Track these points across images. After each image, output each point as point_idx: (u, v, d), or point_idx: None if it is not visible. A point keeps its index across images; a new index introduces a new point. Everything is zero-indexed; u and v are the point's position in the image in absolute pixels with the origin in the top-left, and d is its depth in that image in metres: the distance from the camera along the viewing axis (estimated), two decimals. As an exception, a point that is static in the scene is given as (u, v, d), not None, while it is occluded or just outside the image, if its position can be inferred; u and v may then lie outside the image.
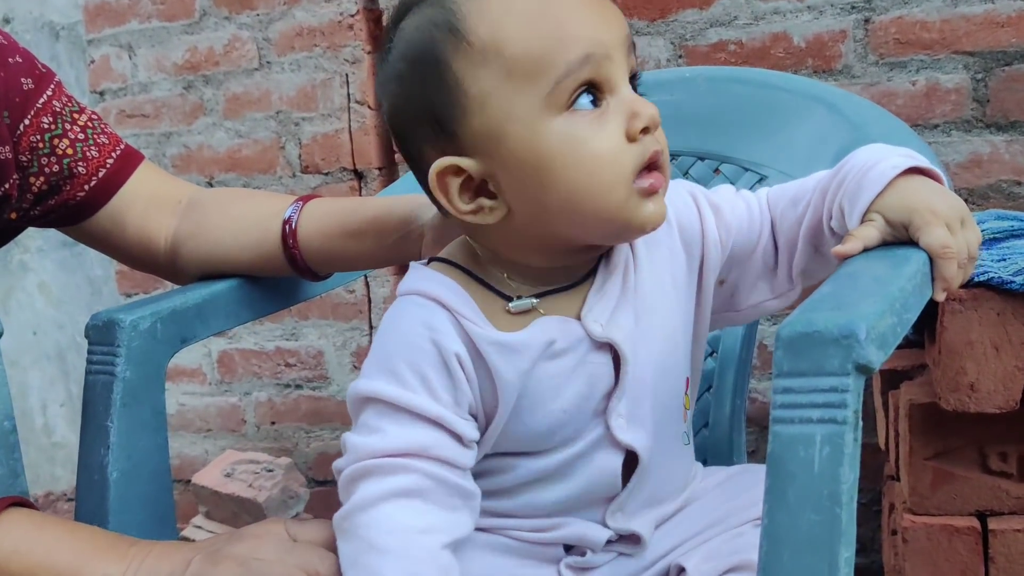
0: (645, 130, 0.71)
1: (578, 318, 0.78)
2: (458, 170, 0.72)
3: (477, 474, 0.79)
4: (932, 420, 1.25)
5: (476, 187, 0.73)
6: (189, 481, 2.08)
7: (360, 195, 2.08)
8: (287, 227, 0.98)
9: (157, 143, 2.21)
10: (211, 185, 2.19)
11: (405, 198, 0.96)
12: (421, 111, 0.73)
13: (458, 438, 0.75)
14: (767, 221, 0.85)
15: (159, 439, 0.95)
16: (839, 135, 1.05)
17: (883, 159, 0.75)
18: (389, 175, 2.08)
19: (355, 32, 2.05)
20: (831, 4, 1.80)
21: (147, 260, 1.05)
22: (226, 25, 2.13)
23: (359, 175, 2.09)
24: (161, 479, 0.95)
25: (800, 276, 0.83)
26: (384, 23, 2.04)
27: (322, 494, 2.15)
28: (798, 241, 0.82)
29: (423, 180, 0.76)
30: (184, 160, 2.20)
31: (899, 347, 1.57)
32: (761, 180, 1.09)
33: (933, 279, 0.72)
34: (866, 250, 0.73)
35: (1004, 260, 1.22)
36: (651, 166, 0.72)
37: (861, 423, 0.59)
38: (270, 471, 1.97)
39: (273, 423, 2.22)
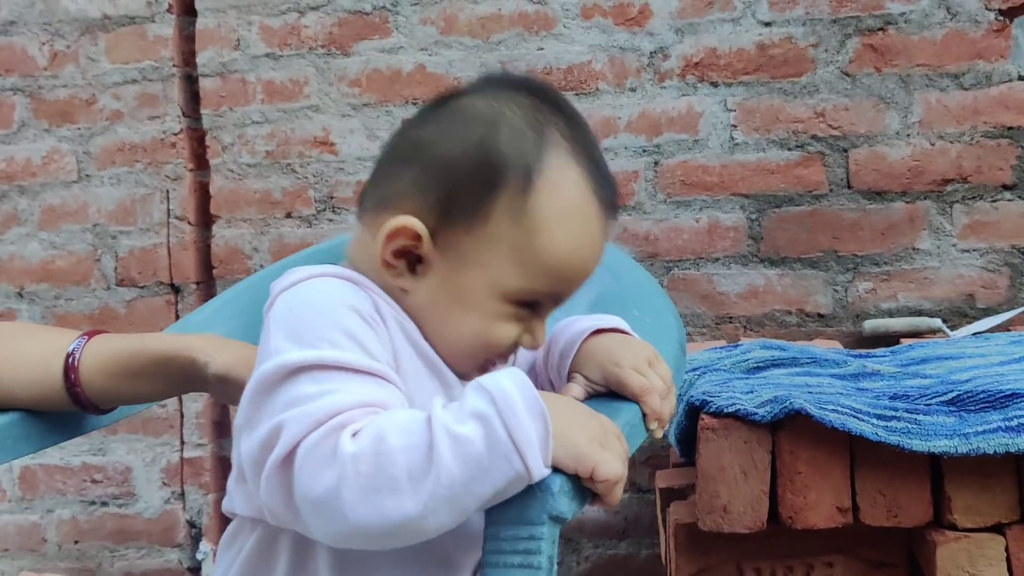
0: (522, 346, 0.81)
1: None
2: (416, 237, 0.76)
3: None
4: (694, 539, 1.36)
5: (408, 253, 0.77)
6: (-22, 606, 1.97)
7: (176, 308, 2.09)
8: (70, 361, 1.00)
9: (-35, 251, 2.16)
10: (21, 295, 2.15)
11: (193, 341, 0.97)
12: (450, 184, 0.76)
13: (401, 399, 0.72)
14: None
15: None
16: (599, 281, 1.16)
17: (576, 327, 0.87)
18: (206, 290, 2.10)
19: (177, 150, 2.09)
20: (625, 147, 1.97)
21: None
22: (45, 137, 2.13)
23: (176, 289, 2.10)
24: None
25: None
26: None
27: (125, 616, 2.08)
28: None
29: (383, 194, 0.79)
30: (-7, 269, 2.15)
31: (676, 465, 1.70)
32: (532, 320, 1.19)
33: (646, 417, 0.82)
34: (588, 399, 0.83)
35: (752, 392, 1.36)
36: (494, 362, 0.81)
37: (556, 567, 0.67)
38: (67, 594, 1.90)
39: (76, 542, 2.14)
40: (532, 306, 0.79)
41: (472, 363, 0.80)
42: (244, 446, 0.71)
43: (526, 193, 0.75)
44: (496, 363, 0.81)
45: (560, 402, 0.72)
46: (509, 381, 0.68)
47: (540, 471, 0.67)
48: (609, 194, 0.80)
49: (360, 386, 0.69)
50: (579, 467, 0.68)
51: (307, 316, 0.72)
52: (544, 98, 0.79)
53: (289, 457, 0.66)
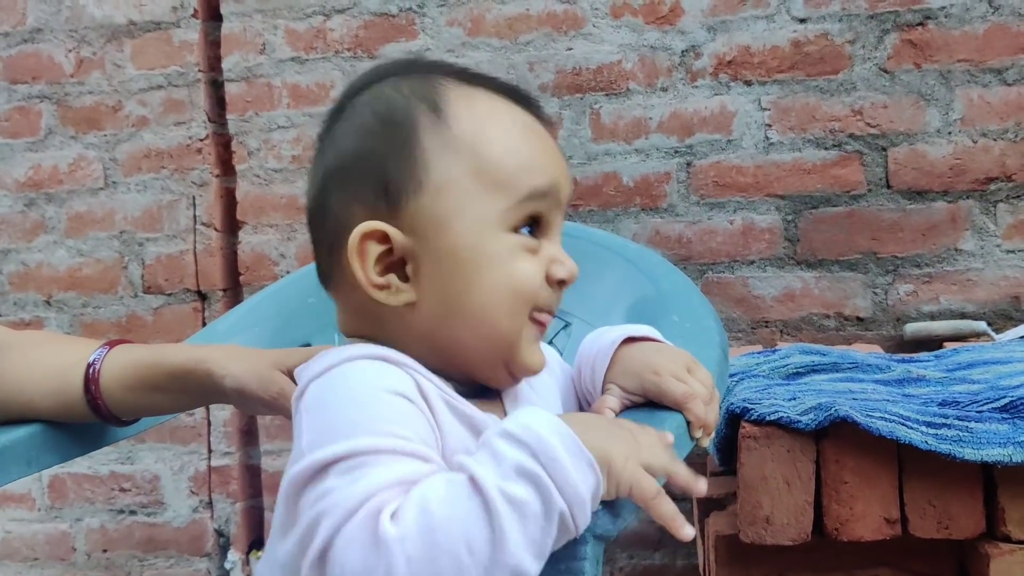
0: (561, 283, 0.74)
1: None
2: (384, 238, 0.70)
3: None
4: (735, 551, 1.32)
5: (391, 263, 0.71)
6: (7, 617, 1.96)
7: (203, 315, 2.07)
8: (90, 372, 0.98)
9: (-7, 259, 2.15)
10: (49, 303, 2.14)
11: (210, 353, 0.95)
12: (373, 170, 0.71)
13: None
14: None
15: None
16: (636, 287, 1.13)
17: (606, 338, 0.82)
18: (233, 297, 2.08)
19: (203, 156, 2.07)
20: (656, 148, 1.93)
21: None
22: (72, 144, 2.12)
23: (202, 296, 2.08)
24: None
25: None
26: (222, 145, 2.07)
27: (153, 626, 2.06)
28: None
29: (329, 238, 0.73)
30: (22, 278, 2.14)
31: (715, 474, 1.65)
32: (566, 327, 1.15)
33: (690, 426, 0.78)
34: (626, 410, 0.79)
35: (794, 399, 1.31)
36: (542, 318, 0.74)
37: (600, 587, 0.63)
38: (95, 605, 1.88)
39: (105, 551, 2.13)
40: (533, 226, 0.72)
41: (518, 328, 0.72)
42: (281, 549, 0.66)
43: (442, 120, 0.71)
44: (543, 322, 0.74)
45: (586, 423, 0.65)
46: (545, 427, 0.61)
47: (586, 524, 0.62)
48: (519, 92, 0.75)
49: (395, 464, 0.61)
50: (617, 491, 0.64)
51: (342, 409, 0.64)
52: (415, 63, 0.77)
53: (324, 554, 0.59)
